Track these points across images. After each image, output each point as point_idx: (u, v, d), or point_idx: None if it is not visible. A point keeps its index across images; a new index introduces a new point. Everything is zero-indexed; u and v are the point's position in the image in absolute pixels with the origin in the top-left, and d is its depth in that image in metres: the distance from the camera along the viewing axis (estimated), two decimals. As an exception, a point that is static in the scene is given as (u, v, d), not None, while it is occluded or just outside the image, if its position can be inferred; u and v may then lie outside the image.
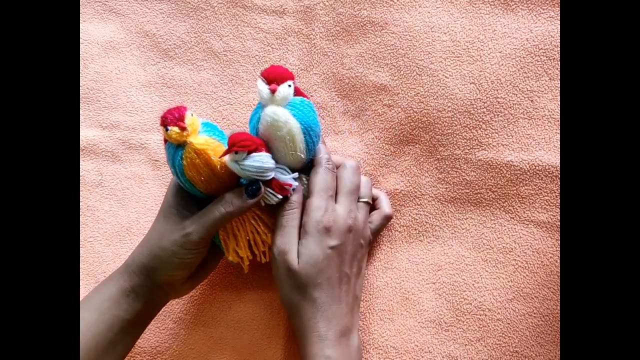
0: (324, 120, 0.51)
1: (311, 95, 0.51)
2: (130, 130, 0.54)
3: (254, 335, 0.48)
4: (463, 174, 0.48)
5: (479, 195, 0.47)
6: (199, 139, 0.38)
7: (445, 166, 0.48)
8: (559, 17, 0.47)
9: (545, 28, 0.47)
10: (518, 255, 0.46)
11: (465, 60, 0.48)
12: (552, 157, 0.46)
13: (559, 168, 0.46)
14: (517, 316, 0.45)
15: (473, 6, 0.49)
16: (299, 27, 0.52)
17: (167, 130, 0.37)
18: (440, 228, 0.48)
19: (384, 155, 0.49)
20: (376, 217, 0.46)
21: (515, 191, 0.47)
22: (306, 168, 0.44)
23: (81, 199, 0.53)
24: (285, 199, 0.42)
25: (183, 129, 0.37)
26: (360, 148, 0.50)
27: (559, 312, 0.45)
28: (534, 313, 0.45)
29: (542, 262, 0.46)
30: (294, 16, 0.52)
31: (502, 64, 0.47)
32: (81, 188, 0.53)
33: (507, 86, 0.47)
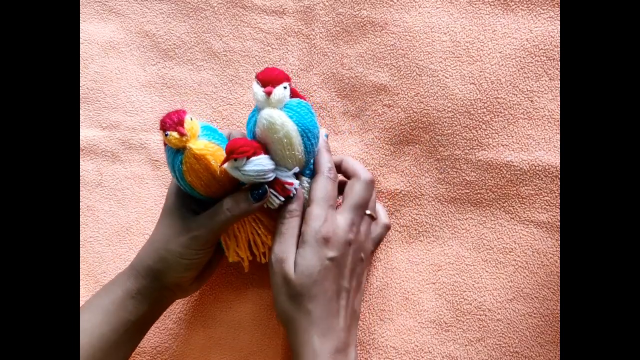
0: (323, 120, 0.51)
1: (311, 96, 0.51)
2: (130, 130, 0.54)
3: (254, 335, 0.48)
4: (463, 174, 0.48)
5: (479, 195, 0.47)
6: (199, 144, 0.38)
7: (445, 166, 0.48)
8: (559, 17, 0.47)
9: (545, 28, 0.47)
10: (518, 256, 0.46)
11: (465, 61, 0.48)
12: (552, 157, 0.46)
13: (559, 168, 0.46)
14: (517, 316, 0.45)
15: (473, 6, 0.49)
16: (299, 27, 0.52)
17: (166, 135, 0.37)
18: (440, 228, 0.48)
19: (384, 155, 0.49)
20: (375, 227, 0.46)
21: (515, 191, 0.47)
22: (307, 169, 0.44)
23: (81, 199, 0.53)
24: (288, 199, 0.41)
25: (182, 134, 0.37)
26: (360, 148, 0.50)
27: (559, 312, 0.45)
28: (534, 313, 0.45)
29: (542, 262, 0.46)
30: (294, 16, 0.52)
31: (502, 64, 0.47)
32: (81, 188, 0.53)
33: (507, 86, 0.47)
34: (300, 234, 0.41)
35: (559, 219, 0.46)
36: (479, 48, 0.48)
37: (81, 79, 0.55)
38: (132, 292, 0.41)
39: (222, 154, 0.39)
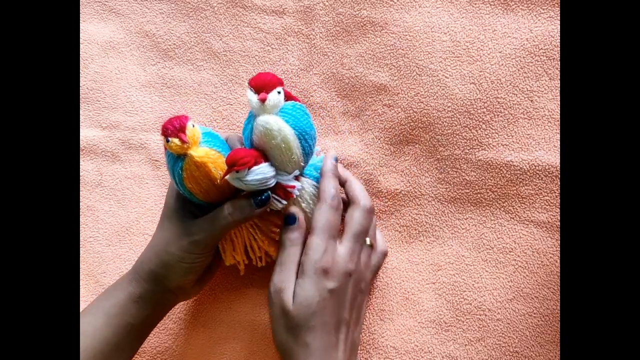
0: (323, 120, 0.51)
1: (311, 96, 0.51)
2: (130, 130, 0.54)
3: (254, 335, 0.48)
4: (463, 174, 0.48)
5: (479, 195, 0.47)
6: (199, 152, 0.38)
7: (445, 166, 0.48)
8: (559, 17, 0.47)
9: (545, 28, 0.47)
10: (518, 255, 0.46)
11: (465, 60, 0.48)
12: (552, 157, 0.46)
13: (559, 168, 0.46)
14: (517, 316, 0.45)
15: (473, 6, 0.49)
16: (299, 27, 0.52)
17: (167, 141, 0.37)
18: (440, 228, 0.48)
19: (384, 155, 0.49)
20: (373, 255, 0.45)
21: (515, 191, 0.47)
22: (306, 170, 0.44)
23: (81, 199, 0.53)
24: (289, 222, 0.41)
25: (184, 141, 0.37)
26: (360, 148, 0.50)
27: (559, 312, 0.45)
28: (534, 313, 0.45)
29: (542, 262, 0.46)
30: (294, 16, 0.52)
31: (502, 64, 0.47)
32: (81, 188, 0.53)
33: (507, 86, 0.47)
34: (300, 263, 0.40)
35: (559, 219, 0.46)
36: (479, 48, 0.48)
37: (81, 79, 0.55)
38: (135, 296, 0.41)
39: (223, 162, 0.39)
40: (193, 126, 0.38)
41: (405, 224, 0.48)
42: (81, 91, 0.54)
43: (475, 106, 0.48)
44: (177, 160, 0.38)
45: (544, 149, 0.46)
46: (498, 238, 0.47)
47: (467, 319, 0.46)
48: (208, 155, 0.38)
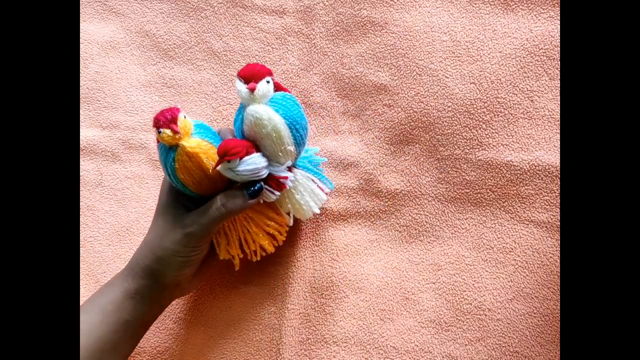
0: (323, 120, 0.51)
1: (311, 95, 0.51)
2: (130, 130, 0.54)
3: (254, 335, 0.48)
4: (463, 174, 0.48)
5: (479, 195, 0.47)
6: (191, 142, 0.38)
7: (445, 166, 0.48)
8: (559, 17, 0.47)
9: (545, 28, 0.47)
10: (518, 255, 0.46)
11: (465, 60, 0.48)
12: (552, 157, 0.46)
13: (559, 168, 0.46)
14: (517, 316, 0.45)
15: (473, 6, 0.49)
16: (299, 27, 0.52)
17: (159, 132, 0.37)
18: (440, 228, 0.48)
19: (384, 155, 0.49)
20: None
21: (515, 191, 0.47)
22: (299, 161, 0.44)
23: (81, 199, 0.53)
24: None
25: (175, 132, 0.37)
26: (360, 148, 0.50)
27: (559, 312, 0.45)
28: (534, 313, 0.45)
29: (542, 262, 0.46)
30: (294, 16, 0.52)
31: (502, 64, 0.47)
32: (81, 188, 0.53)
33: (507, 86, 0.47)
34: None
35: (559, 219, 0.46)
36: (479, 48, 0.48)
37: (81, 79, 0.55)
38: (131, 293, 0.41)
39: (215, 152, 0.39)
40: (185, 117, 0.38)
41: (405, 224, 0.48)
42: (81, 91, 0.54)
43: (475, 106, 0.48)
44: (169, 151, 0.38)
45: (544, 149, 0.46)
46: (498, 238, 0.47)
47: (467, 318, 0.46)
48: (200, 145, 0.38)
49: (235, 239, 0.44)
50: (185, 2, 0.54)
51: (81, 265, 0.51)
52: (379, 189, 0.49)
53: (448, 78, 0.48)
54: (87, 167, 0.53)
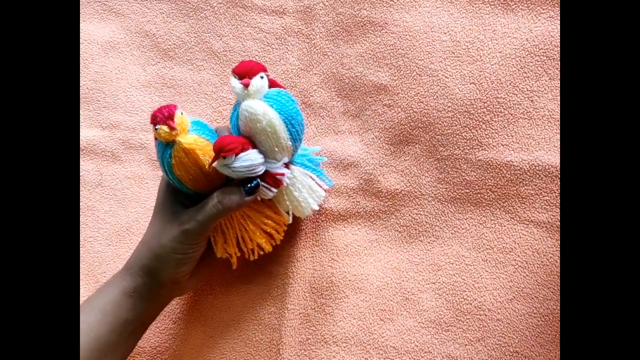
0: (323, 120, 0.51)
1: (311, 95, 0.51)
2: (130, 130, 0.54)
3: (254, 335, 0.48)
4: (463, 174, 0.48)
5: (479, 195, 0.47)
6: (188, 139, 0.38)
7: (445, 166, 0.48)
8: (559, 17, 0.47)
9: (545, 28, 0.47)
10: (518, 255, 0.46)
11: (465, 60, 0.48)
12: (552, 157, 0.46)
13: (559, 168, 0.46)
14: (517, 316, 0.45)
15: (473, 6, 0.49)
16: (299, 27, 0.52)
17: (156, 128, 0.38)
18: (440, 228, 0.48)
19: (384, 155, 0.49)
20: None
21: (515, 191, 0.47)
22: (296, 157, 0.44)
23: (81, 199, 0.53)
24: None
25: (172, 128, 0.37)
26: (360, 148, 0.50)
27: (559, 312, 0.45)
28: (534, 313, 0.45)
29: (542, 262, 0.46)
30: (294, 16, 0.52)
31: (502, 64, 0.47)
32: (81, 188, 0.53)
33: (507, 86, 0.47)
34: None
35: (559, 219, 0.46)
36: (479, 48, 0.48)
37: (81, 79, 0.55)
38: (129, 291, 0.41)
39: (211, 149, 0.39)
40: (182, 114, 0.38)
41: (405, 224, 0.48)
42: (81, 91, 0.54)
43: (475, 106, 0.48)
44: (166, 148, 0.39)
45: (544, 149, 0.46)
46: (498, 238, 0.47)
47: (467, 319, 0.46)
48: (196, 142, 0.39)
49: (232, 237, 0.44)
50: (185, 2, 0.54)
51: (81, 265, 0.51)
52: (379, 189, 0.49)
53: (448, 78, 0.48)
54: (87, 167, 0.53)
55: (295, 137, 0.41)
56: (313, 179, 0.45)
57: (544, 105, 0.47)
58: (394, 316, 0.47)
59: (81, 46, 0.55)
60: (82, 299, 0.51)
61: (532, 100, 0.47)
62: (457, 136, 0.48)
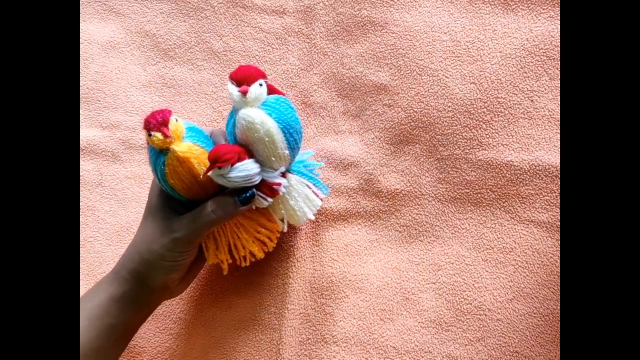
0: (323, 120, 0.51)
1: (311, 95, 0.51)
2: (130, 130, 0.54)
3: (254, 335, 0.48)
4: (463, 174, 0.48)
5: (479, 195, 0.47)
6: (182, 147, 0.37)
7: (445, 166, 0.48)
8: (559, 17, 0.47)
9: (545, 28, 0.47)
10: (518, 255, 0.46)
11: (465, 60, 0.48)
12: (552, 157, 0.46)
13: (559, 168, 0.46)
14: (517, 316, 0.45)
15: (473, 6, 0.49)
16: (299, 27, 0.52)
17: (150, 135, 0.36)
18: (440, 228, 0.48)
19: (384, 155, 0.49)
20: None
21: (515, 191, 0.47)
22: (293, 166, 0.43)
23: (81, 199, 0.53)
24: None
25: (166, 135, 0.36)
26: (360, 148, 0.50)
27: (559, 312, 0.45)
28: (534, 313, 0.45)
29: (542, 262, 0.46)
30: (294, 16, 0.52)
31: (503, 64, 0.47)
32: (81, 188, 0.53)
33: (507, 86, 0.47)
34: None
35: (559, 219, 0.46)
36: (479, 48, 0.48)
37: (81, 79, 0.55)
38: (117, 297, 0.40)
39: (207, 157, 0.38)
40: (176, 120, 0.37)
41: (405, 224, 0.48)
42: (81, 91, 0.54)
43: (475, 106, 0.47)
44: (160, 155, 0.37)
45: (544, 149, 0.46)
46: (498, 238, 0.47)
47: (467, 319, 0.46)
48: (191, 150, 0.37)
49: (224, 244, 0.43)
50: (185, 2, 0.54)
51: (81, 265, 0.51)
52: (379, 189, 0.49)
53: (448, 78, 0.48)
54: (87, 167, 0.53)
55: (293, 146, 0.40)
56: (310, 188, 0.44)
57: (544, 105, 0.47)
58: (394, 316, 0.47)
59: (81, 46, 0.55)
60: (82, 299, 0.51)
61: (532, 100, 0.47)
62: (458, 136, 0.48)
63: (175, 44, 0.54)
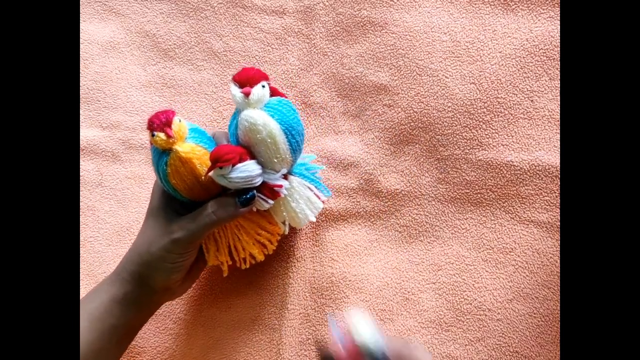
0: (323, 120, 0.51)
1: (311, 95, 0.51)
2: (130, 130, 0.54)
3: (254, 335, 0.48)
4: (463, 174, 0.48)
5: (479, 195, 0.47)
6: (185, 147, 0.37)
7: (445, 166, 0.48)
8: (559, 17, 0.47)
9: (545, 28, 0.47)
10: (518, 255, 0.46)
11: (465, 60, 0.48)
12: (552, 157, 0.46)
13: (559, 168, 0.46)
14: (517, 316, 0.45)
15: (473, 6, 0.49)
16: (299, 27, 0.52)
17: (153, 135, 0.37)
18: (440, 228, 0.48)
19: (384, 155, 0.49)
20: None
21: (515, 191, 0.47)
22: (295, 168, 0.43)
23: (81, 199, 0.53)
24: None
25: (169, 136, 0.36)
26: (360, 148, 0.50)
27: (559, 312, 0.45)
28: (534, 313, 0.45)
29: (542, 262, 0.46)
30: (294, 16, 0.52)
31: (502, 64, 0.47)
32: (81, 188, 0.53)
33: (507, 86, 0.47)
34: None
35: (559, 219, 0.46)
36: (479, 48, 0.48)
37: (81, 79, 0.55)
38: (118, 298, 0.40)
39: (209, 158, 0.38)
40: (180, 121, 0.37)
41: (405, 224, 0.48)
42: (81, 91, 0.54)
43: (475, 106, 0.48)
44: (162, 155, 0.38)
45: (544, 149, 0.46)
46: (498, 238, 0.47)
47: (467, 319, 0.46)
48: (194, 151, 0.38)
49: (224, 245, 0.43)
50: (185, 2, 0.54)
51: (81, 265, 0.51)
52: (379, 189, 0.49)
53: (448, 78, 0.48)
54: (87, 167, 0.53)
55: (295, 148, 0.40)
56: (311, 190, 0.44)
57: (544, 105, 0.47)
58: (394, 316, 0.47)
59: (81, 46, 0.55)
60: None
61: (532, 100, 0.47)
62: (457, 136, 0.48)
63: (175, 44, 0.54)
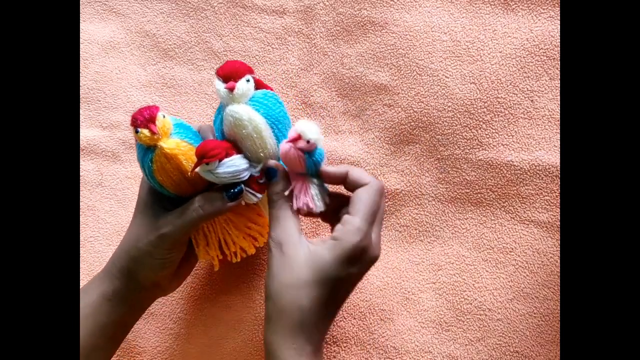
0: (323, 120, 0.51)
1: (311, 95, 0.51)
2: (130, 130, 0.53)
3: (254, 335, 0.48)
4: (463, 174, 0.48)
5: (479, 195, 0.47)
6: (170, 143, 0.37)
7: (445, 166, 0.48)
8: (559, 17, 0.47)
9: (545, 28, 0.47)
10: (518, 255, 0.46)
11: (466, 60, 0.48)
12: (552, 157, 0.46)
13: (559, 168, 0.46)
14: (517, 316, 0.45)
15: (473, 6, 0.49)
16: (299, 27, 0.52)
17: (137, 132, 0.36)
18: (440, 228, 0.48)
19: (384, 155, 0.49)
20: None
21: (515, 191, 0.47)
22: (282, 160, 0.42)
23: (81, 199, 0.53)
24: (270, 174, 0.39)
25: (153, 132, 0.36)
26: (360, 148, 0.50)
27: (559, 312, 0.45)
28: (534, 313, 0.45)
29: (542, 262, 0.46)
30: (294, 16, 0.52)
31: (503, 64, 0.47)
32: (81, 188, 0.53)
33: (507, 86, 0.47)
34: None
35: (559, 219, 0.46)
36: (479, 48, 0.48)
37: (81, 79, 0.55)
38: (108, 295, 0.40)
39: (194, 153, 0.37)
40: (164, 117, 0.37)
41: (405, 224, 0.48)
42: (81, 91, 0.54)
43: (475, 106, 0.48)
44: (147, 151, 0.37)
45: (544, 149, 0.46)
46: (498, 238, 0.47)
47: (467, 319, 0.46)
48: (179, 146, 0.37)
49: (214, 240, 0.43)
50: (185, 2, 0.54)
51: (81, 265, 0.51)
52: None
53: (448, 78, 0.48)
54: (87, 167, 0.53)
55: (282, 141, 0.39)
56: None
57: (544, 105, 0.47)
58: (394, 316, 0.47)
59: (81, 46, 0.55)
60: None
61: (532, 100, 0.47)
62: (458, 136, 0.48)
63: (175, 44, 0.54)
